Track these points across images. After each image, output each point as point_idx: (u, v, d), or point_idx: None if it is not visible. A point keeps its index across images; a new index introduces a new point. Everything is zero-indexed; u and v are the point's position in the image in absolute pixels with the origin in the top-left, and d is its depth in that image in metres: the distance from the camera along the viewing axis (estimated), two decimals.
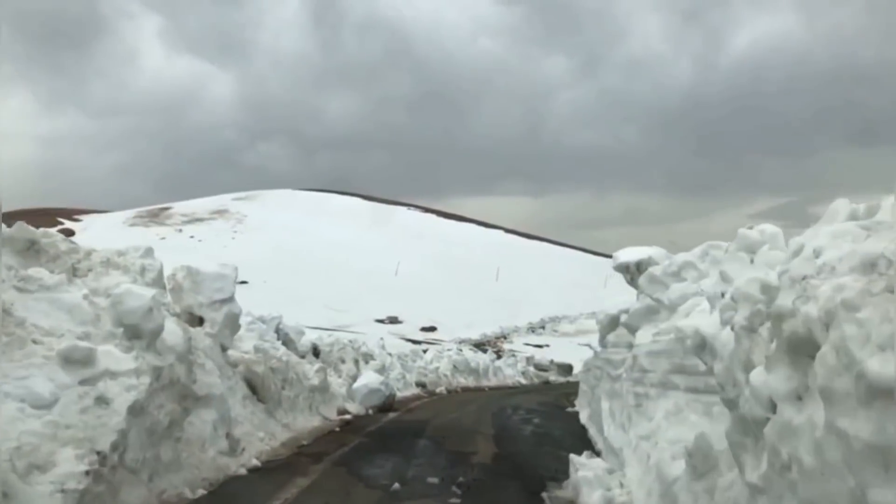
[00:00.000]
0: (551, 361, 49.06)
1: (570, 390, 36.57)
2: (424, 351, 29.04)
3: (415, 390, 21.70)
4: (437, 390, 23.36)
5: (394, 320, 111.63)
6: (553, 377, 45.82)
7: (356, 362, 16.20)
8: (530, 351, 69.43)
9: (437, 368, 25.75)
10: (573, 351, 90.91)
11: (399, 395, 19.66)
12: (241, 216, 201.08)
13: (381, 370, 17.83)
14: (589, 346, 11.77)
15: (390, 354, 22.92)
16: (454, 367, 27.49)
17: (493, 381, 31.46)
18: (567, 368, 52.40)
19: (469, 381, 28.35)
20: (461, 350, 31.31)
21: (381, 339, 25.96)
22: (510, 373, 35.51)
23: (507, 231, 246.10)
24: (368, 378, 14.56)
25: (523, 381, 36.57)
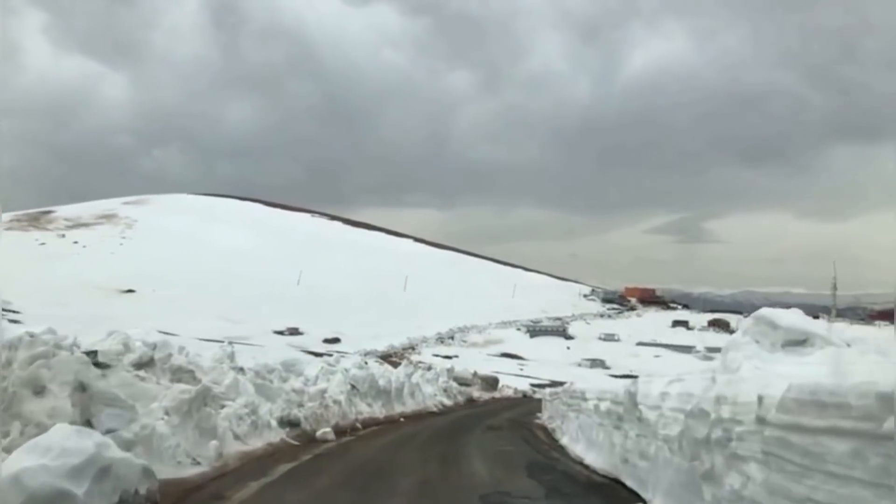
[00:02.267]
0: (474, 374, 40.10)
1: (518, 413, 26.01)
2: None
3: (274, 437, 11.62)
4: (320, 434, 13.34)
5: (294, 332, 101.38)
6: (477, 392, 36.76)
7: (81, 389, 6.37)
8: (440, 363, 60.66)
9: (324, 392, 16.03)
10: (484, 361, 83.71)
11: (238, 450, 9.94)
12: (131, 221, 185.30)
13: (184, 410, 8.16)
14: None
15: (240, 370, 13.09)
16: (352, 387, 17.76)
17: (409, 406, 21.77)
18: (492, 382, 42.91)
19: (376, 410, 18.63)
20: (366, 363, 21.20)
21: (229, 342, 16.12)
22: (430, 391, 26.05)
23: (417, 240, 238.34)
24: (46, 448, 4.57)
25: (447, 402, 27.44)
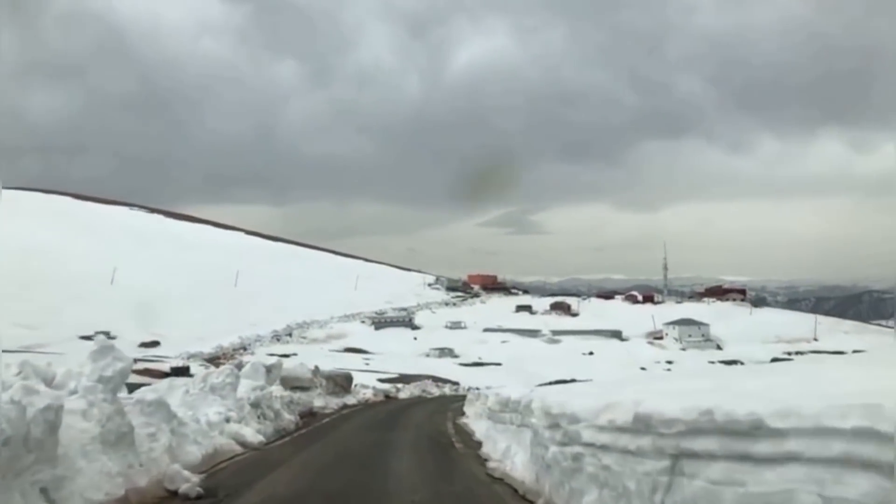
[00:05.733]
0: (315, 371, 30.89)
1: (424, 455, 14.08)
2: None
3: None
4: None
5: (105, 336, 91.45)
6: (320, 400, 27.86)
7: None
8: (266, 361, 55.37)
9: None
10: (326, 358, 78.34)
11: None
12: None
13: None
14: None
15: None
16: None
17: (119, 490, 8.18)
18: (343, 382, 33.72)
19: None
20: None
21: None
22: (213, 416, 14.08)
23: (249, 233, 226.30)
24: None
25: (251, 437, 14.82)
